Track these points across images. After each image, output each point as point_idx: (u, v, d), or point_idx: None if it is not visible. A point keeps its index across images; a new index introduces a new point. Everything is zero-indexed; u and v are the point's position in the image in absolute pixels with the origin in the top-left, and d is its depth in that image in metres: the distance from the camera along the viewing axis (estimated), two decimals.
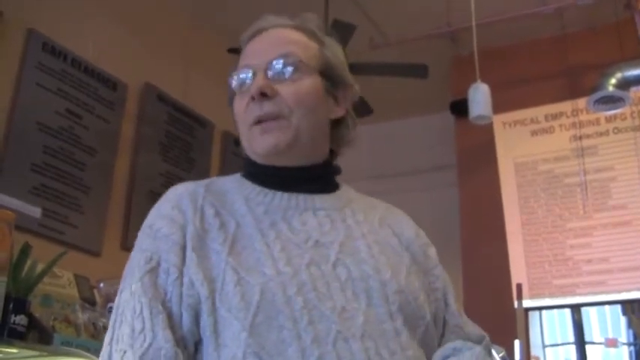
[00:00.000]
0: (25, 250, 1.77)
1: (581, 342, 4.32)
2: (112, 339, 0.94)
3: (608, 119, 4.29)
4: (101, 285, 2.15)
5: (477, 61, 3.59)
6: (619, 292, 4.02)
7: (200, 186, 1.06)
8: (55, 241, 3.26)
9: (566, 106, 4.43)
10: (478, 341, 1.06)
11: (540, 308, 4.28)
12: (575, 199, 4.27)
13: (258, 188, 1.07)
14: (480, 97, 3.52)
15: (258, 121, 1.05)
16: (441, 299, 1.10)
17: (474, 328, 1.11)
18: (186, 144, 4.30)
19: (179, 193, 1.05)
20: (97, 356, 0.97)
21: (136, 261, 0.99)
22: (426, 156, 5.19)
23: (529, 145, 4.49)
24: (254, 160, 1.10)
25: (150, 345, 0.90)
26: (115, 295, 1.02)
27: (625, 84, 3.85)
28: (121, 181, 3.81)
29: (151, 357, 0.89)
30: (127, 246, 3.59)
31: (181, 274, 0.96)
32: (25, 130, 3.30)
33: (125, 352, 0.91)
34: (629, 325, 4.31)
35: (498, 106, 3.79)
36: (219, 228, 1.00)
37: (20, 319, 1.66)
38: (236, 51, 1.15)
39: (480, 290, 4.16)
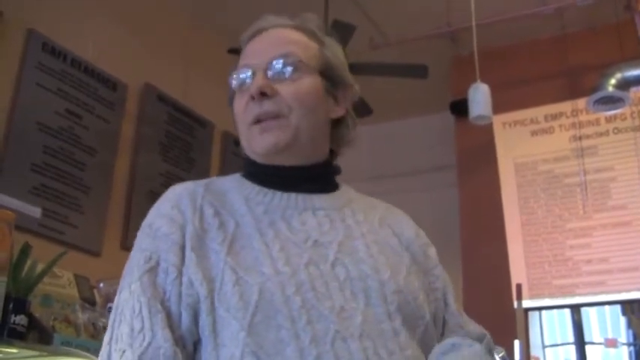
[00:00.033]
0: (25, 250, 1.77)
1: (580, 342, 4.31)
2: (111, 338, 0.94)
3: (608, 119, 4.29)
4: (101, 285, 2.15)
5: (476, 61, 3.59)
6: (619, 292, 4.02)
7: (199, 186, 1.06)
8: (55, 241, 3.26)
9: (566, 106, 4.43)
10: (479, 339, 1.06)
11: (540, 308, 4.28)
12: (575, 200, 4.27)
13: (257, 188, 1.07)
14: (479, 97, 3.51)
15: (258, 121, 1.05)
16: (440, 299, 1.10)
17: (474, 327, 1.11)
18: (186, 144, 4.30)
19: (178, 193, 1.05)
20: (97, 356, 0.98)
21: (136, 260, 0.99)
22: (426, 156, 5.19)
23: (529, 146, 4.49)
24: (254, 159, 1.10)
25: (149, 344, 0.90)
26: (114, 295, 1.02)
27: (625, 84, 3.85)
28: (121, 181, 3.81)
29: (150, 356, 0.90)
30: (126, 246, 3.59)
31: (180, 273, 0.96)
32: (25, 130, 3.30)
33: (124, 351, 0.91)
34: (629, 325, 4.31)
35: (498, 107, 3.79)
36: (218, 227, 1.00)
37: (20, 319, 1.66)
38: (236, 51, 1.16)
39: (480, 290, 4.16)
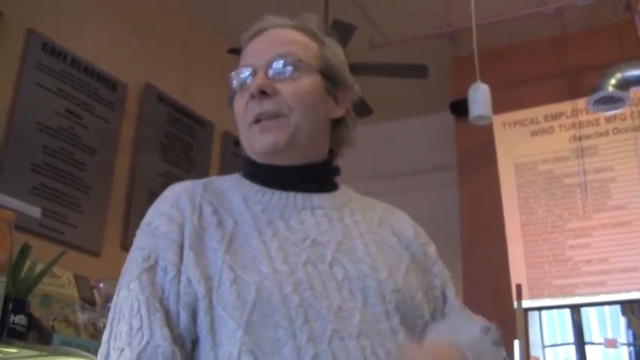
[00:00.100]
0: (25, 250, 1.77)
1: (580, 342, 4.31)
2: (109, 336, 0.94)
3: (608, 119, 4.29)
4: (101, 285, 2.15)
5: (476, 61, 3.59)
6: (618, 292, 4.02)
7: (198, 184, 1.07)
8: (55, 241, 3.26)
9: (565, 106, 4.43)
10: (484, 331, 1.04)
11: (540, 308, 4.28)
12: (574, 200, 4.27)
13: (256, 187, 1.07)
14: (479, 97, 3.51)
15: (258, 120, 1.05)
16: (439, 296, 1.10)
17: (478, 319, 1.08)
18: (186, 144, 4.30)
19: (177, 192, 1.05)
20: (97, 356, 0.98)
21: (134, 259, 0.99)
22: (425, 156, 5.19)
23: (529, 146, 4.49)
24: (253, 159, 1.10)
25: (147, 343, 0.90)
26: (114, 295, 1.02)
27: (625, 84, 3.85)
28: (121, 181, 3.81)
29: (149, 355, 0.90)
30: (126, 246, 3.57)
31: (179, 272, 0.96)
32: (25, 130, 3.30)
33: (123, 349, 0.91)
34: (629, 325, 4.31)
35: (498, 107, 3.79)
36: (216, 226, 1.00)
37: (20, 319, 1.66)
38: (236, 51, 1.16)
39: (480, 290, 4.16)
